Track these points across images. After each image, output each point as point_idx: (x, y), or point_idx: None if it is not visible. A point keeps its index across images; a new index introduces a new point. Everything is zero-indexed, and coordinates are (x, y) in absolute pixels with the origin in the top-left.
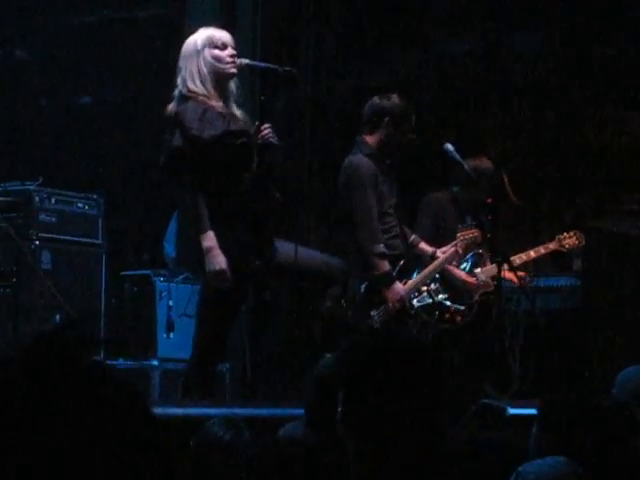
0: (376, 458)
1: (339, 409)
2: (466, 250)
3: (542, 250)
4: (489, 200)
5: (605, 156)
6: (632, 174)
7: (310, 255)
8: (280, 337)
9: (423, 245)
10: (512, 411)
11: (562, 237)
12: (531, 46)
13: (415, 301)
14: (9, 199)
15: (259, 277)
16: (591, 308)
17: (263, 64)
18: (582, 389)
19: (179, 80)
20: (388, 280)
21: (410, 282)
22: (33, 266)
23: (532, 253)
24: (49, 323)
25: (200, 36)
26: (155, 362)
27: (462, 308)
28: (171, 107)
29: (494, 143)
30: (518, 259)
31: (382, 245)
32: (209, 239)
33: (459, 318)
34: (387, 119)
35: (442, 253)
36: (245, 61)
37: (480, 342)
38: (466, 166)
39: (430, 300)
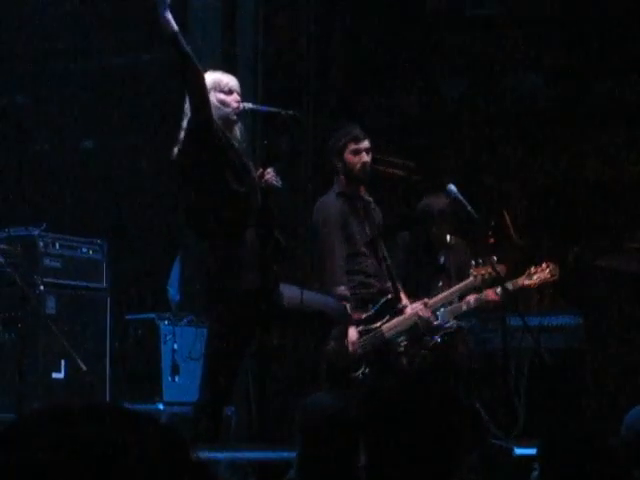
0: None
1: (362, 457)
2: (482, 284)
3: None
4: (491, 240)
5: (607, 193)
6: (634, 211)
7: (312, 297)
8: (285, 380)
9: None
10: (518, 451)
11: (532, 271)
12: (530, 83)
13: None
14: (13, 245)
15: (265, 321)
16: (595, 347)
17: (266, 108)
18: (586, 429)
19: (185, 123)
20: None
21: (393, 322)
22: (38, 311)
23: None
24: (54, 368)
25: (207, 79)
26: (161, 406)
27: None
28: (176, 150)
29: (495, 181)
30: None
31: (344, 287)
32: None
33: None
34: (333, 155)
35: (411, 309)
36: (248, 105)
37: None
38: (469, 207)
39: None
